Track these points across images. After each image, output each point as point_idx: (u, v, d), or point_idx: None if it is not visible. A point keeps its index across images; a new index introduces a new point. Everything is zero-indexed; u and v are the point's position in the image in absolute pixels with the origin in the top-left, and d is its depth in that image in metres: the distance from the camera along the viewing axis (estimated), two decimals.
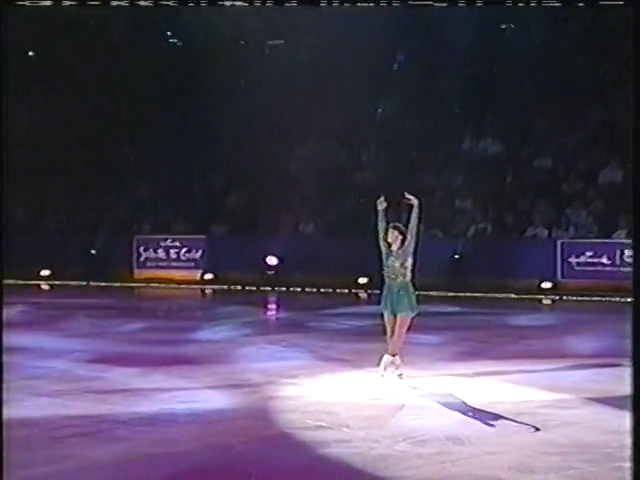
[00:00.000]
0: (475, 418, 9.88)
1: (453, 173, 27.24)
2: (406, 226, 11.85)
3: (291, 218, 26.81)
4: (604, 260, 23.23)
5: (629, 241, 23.10)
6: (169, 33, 31.17)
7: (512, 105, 27.76)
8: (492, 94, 27.98)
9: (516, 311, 20.08)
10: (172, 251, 26.90)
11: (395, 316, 11.75)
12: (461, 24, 26.94)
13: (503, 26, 29.67)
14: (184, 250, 26.86)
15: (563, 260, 23.53)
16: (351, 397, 10.87)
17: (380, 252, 11.94)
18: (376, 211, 12.10)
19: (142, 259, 27.13)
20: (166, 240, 26.98)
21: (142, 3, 16.16)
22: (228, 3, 17.20)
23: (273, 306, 22.10)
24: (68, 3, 15.69)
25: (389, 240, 11.82)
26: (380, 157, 28.00)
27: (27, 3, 13.43)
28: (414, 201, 11.82)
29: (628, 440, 8.78)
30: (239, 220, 27.54)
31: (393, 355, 11.66)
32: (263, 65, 29.14)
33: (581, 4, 14.38)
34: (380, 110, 29.64)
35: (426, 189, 26.83)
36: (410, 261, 11.85)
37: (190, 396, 10.95)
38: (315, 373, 12.72)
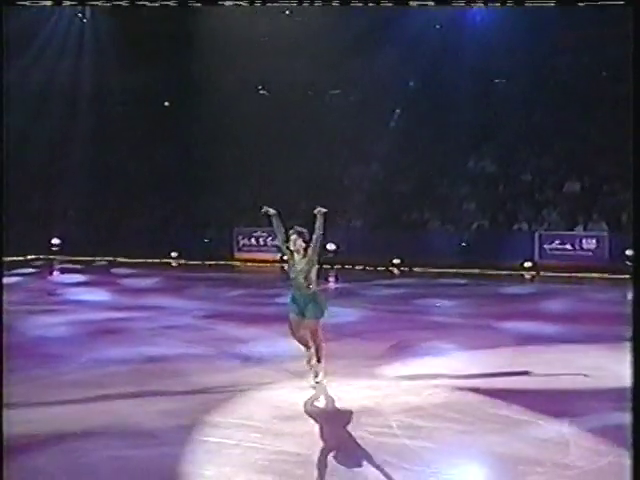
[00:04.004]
0: (481, 361, 9.87)
1: (461, 185, 27.09)
2: (310, 234, 8.40)
3: (345, 216, 26.77)
4: (568, 246, 22.99)
5: (585, 233, 22.95)
6: (260, 86, 31.17)
7: (503, 137, 27.48)
8: (488, 129, 27.73)
9: (506, 283, 19.93)
10: (261, 239, 26.90)
11: (303, 317, 8.39)
12: (465, 78, 26.83)
13: (496, 80, 29.31)
14: (269, 239, 26.83)
15: (540, 246, 23.29)
16: (392, 342, 10.86)
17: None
18: (269, 217, 8.79)
19: (240, 245, 27.17)
20: (256, 232, 26.99)
21: (141, 2, 14.55)
22: (228, 3, 15.53)
23: (332, 279, 22.07)
24: (68, 3, 13.88)
25: (291, 248, 8.37)
26: (409, 174, 27.90)
27: (27, 3, 11.84)
28: (320, 215, 8.41)
29: (598, 373, 8.70)
30: (308, 217, 27.54)
31: (319, 361, 8.45)
32: (326, 109, 29.09)
33: (581, 4, 13.13)
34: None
35: (442, 196, 26.78)
36: (314, 272, 8.34)
37: (274, 342, 11.00)
38: (363, 327, 12.76)
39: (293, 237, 8.34)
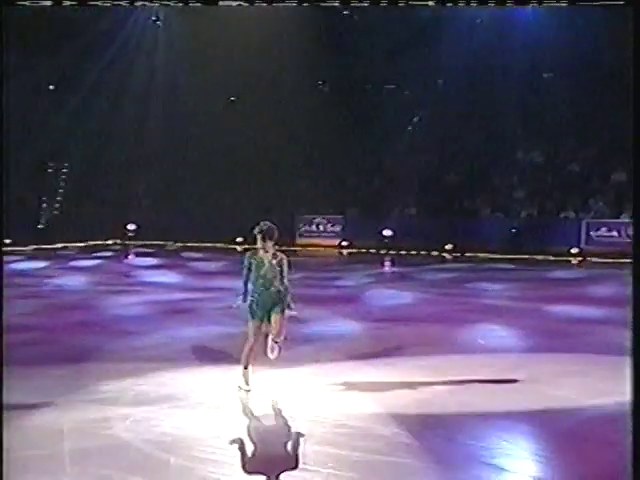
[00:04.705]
0: (531, 343, 9.77)
1: (511, 175, 26.79)
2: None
3: (400, 205, 26.67)
4: (614, 234, 22.65)
5: (630, 221, 22.46)
6: (320, 82, 30.87)
7: (552, 129, 27.01)
8: (537, 122, 27.25)
9: (554, 268, 19.65)
10: (320, 226, 26.98)
11: (261, 322, 7.31)
12: (515, 72, 26.38)
13: (545, 75, 28.73)
14: (329, 225, 26.94)
15: (586, 234, 22.99)
16: (445, 324, 10.83)
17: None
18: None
19: (301, 231, 27.25)
20: (316, 218, 27.07)
21: (141, 3, 13.64)
22: (228, 3, 14.42)
23: (388, 263, 22.01)
24: (68, 3, 12.75)
25: (259, 253, 7.20)
26: (461, 166, 27.65)
27: (27, 3, 11.06)
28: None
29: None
30: (366, 205, 27.51)
31: (276, 342, 7.27)
32: (382, 102, 28.87)
33: (581, 4, 12.57)
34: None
35: (493, 186, 26.51)
36: (285, 268, 7.34)
37: (333, 322, 11.04)
38: (417, 309, 12.71)
39: (259, 238, 7.16)
